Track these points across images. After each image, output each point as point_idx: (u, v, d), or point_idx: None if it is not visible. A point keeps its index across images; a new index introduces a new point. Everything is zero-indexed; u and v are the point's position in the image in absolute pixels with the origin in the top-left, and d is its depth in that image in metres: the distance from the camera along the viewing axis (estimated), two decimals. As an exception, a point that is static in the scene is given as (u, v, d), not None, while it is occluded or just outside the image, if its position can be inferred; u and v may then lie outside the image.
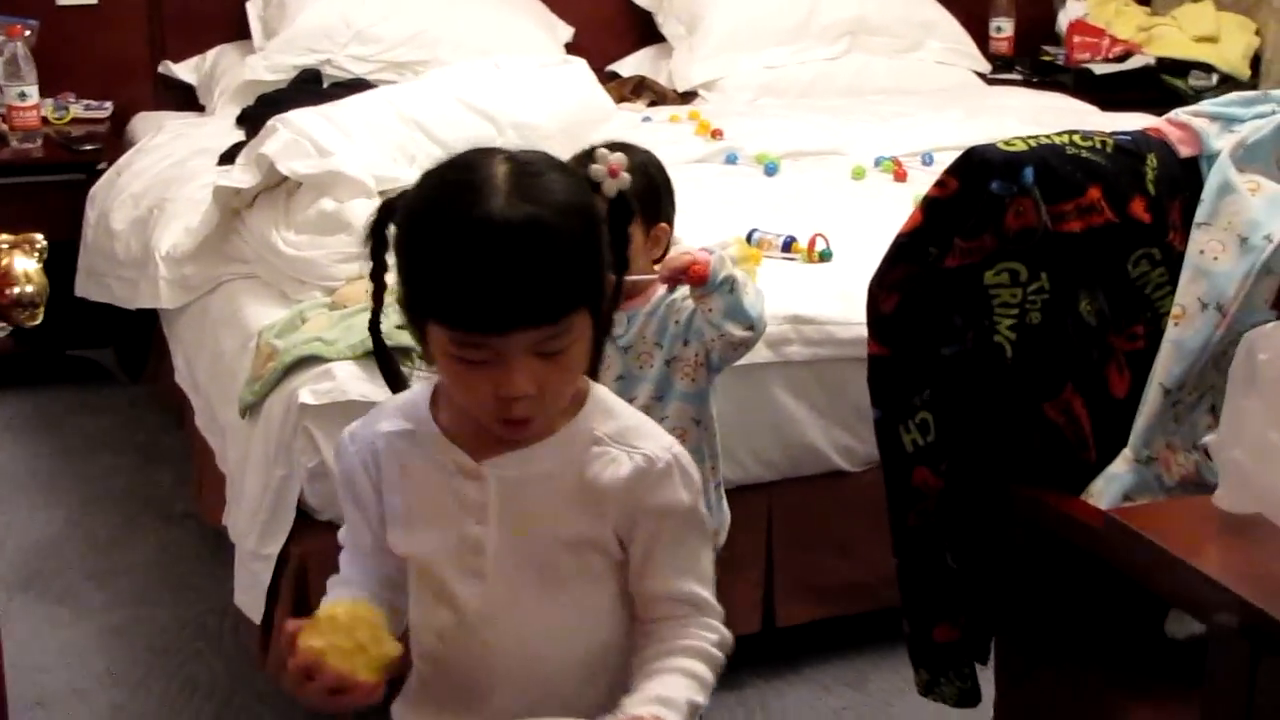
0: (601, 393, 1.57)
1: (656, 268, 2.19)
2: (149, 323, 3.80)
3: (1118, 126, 2.16)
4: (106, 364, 4.38)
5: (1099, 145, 1.97)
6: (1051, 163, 1.92)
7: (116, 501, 3.63)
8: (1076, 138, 1.97)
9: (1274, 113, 2.02)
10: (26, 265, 1.31)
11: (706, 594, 1.57)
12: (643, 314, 2.26)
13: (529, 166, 1.45)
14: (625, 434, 1.54)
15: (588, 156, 2.36)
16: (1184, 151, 2.01)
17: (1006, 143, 1.94)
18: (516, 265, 1.39)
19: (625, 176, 1.60)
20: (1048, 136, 1.97)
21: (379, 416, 1.60)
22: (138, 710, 2.81)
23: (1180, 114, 2.06)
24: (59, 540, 3.45)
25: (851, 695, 2.87)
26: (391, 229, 1.51)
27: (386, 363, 1.67)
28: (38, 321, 1.34)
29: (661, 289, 2.25)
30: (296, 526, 2.60)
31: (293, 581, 2.60)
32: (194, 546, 3.39)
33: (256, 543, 2.64)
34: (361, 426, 1.60)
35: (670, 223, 2.30)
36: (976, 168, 1.91)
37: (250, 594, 2.67)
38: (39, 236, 1.40)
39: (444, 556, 1.55)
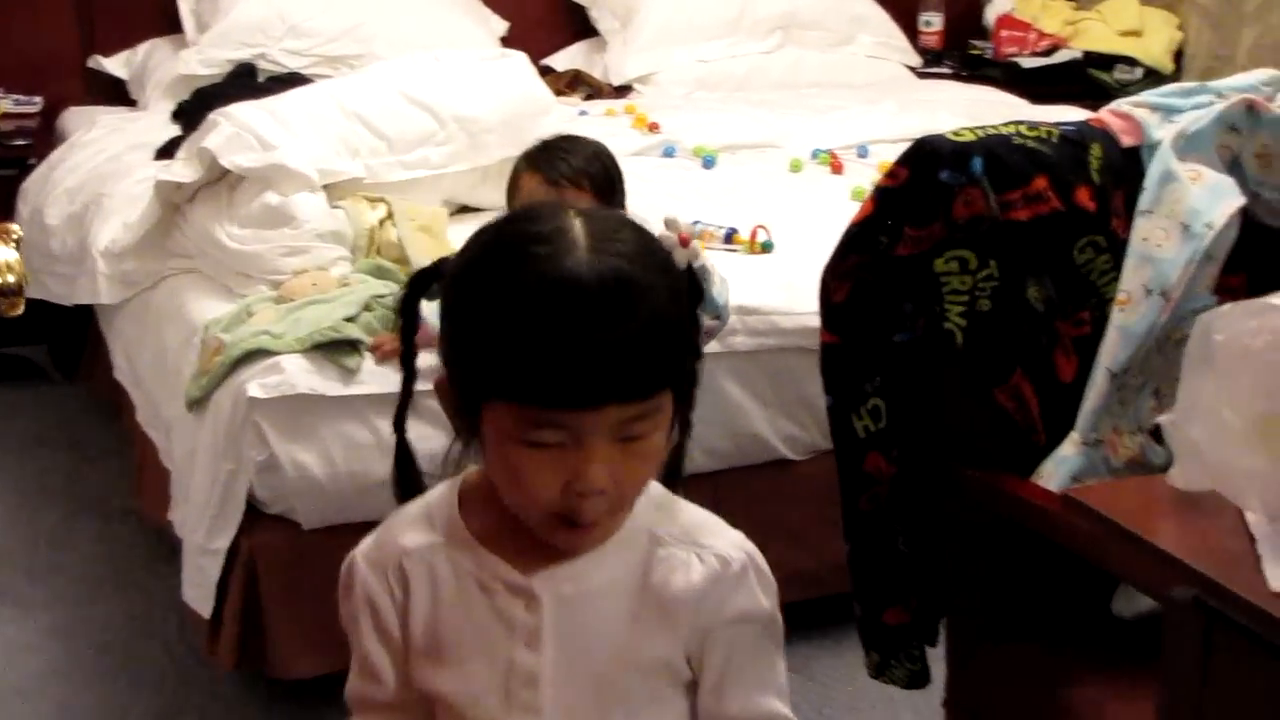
0: (654, 487, 1.35)
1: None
2: (84, 319, 3.76)
3: (1050, 119, 2.20)
4: (39, 361, 4.33)
5: (1045, 135, 2.00)
6: (999, 153, 1.94)
7: (54, 499, 3.59)
8: (1023, 128, 2.00)
9: (1212, 103, 2.06)
10: (7, 255, 1.29)
11: (786, 709, 1.37)
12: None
13: (603, 218, 1.27)
14: (690, 532, 1.34)
15: (542, 149, 2.40)
16: (1126, 141, 2.05)
17: (955, 133, 1.96)
18: (608, 329, 1.19)
19: (695, 246, 1.45)
20: (995, 127, 1.99)
21: (395, 531, 1.35)
22: (83, 708, 2.78)
23: (1122, 104, 2.10)
24: (-4, 539, 3.42)
25: (797, 681, 2.87)
26: (425, 303, 1.33)
27: (407, 469, 1.41)
28: (19, 312, 1.32)
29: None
30: (245, 520, 2.59)
31: (242, 576, 2.59)
32: (135, 543, 3.36)
33: (205, 538, 2.62)
34: (376, 547, 1.36)
35: (624, 210, 2.32)
36: (926, 158, 1.94)
37: (199, 589, 2.65)
38: (15, 226, 1.38)
39: (488, 690, 1.32)
